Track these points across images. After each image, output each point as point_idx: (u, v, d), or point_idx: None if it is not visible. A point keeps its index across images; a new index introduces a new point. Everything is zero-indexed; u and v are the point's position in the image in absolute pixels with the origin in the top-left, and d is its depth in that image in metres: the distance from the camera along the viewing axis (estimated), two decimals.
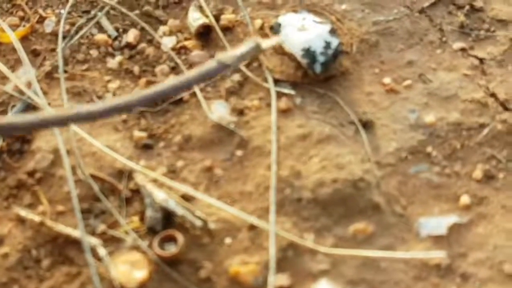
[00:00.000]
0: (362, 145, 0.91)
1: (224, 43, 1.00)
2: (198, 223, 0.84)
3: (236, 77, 0.97)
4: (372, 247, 0.84)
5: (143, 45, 1.01)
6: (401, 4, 1.04)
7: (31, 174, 0.89)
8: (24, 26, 1.02)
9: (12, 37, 0.99)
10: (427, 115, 0.93)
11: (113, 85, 0.97)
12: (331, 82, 0.96)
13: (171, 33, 1.02)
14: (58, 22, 1.03)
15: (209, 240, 0.84)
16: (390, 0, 1.04)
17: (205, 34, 1.01)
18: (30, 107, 0.94)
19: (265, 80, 0.96)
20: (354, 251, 0.83)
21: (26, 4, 1.05)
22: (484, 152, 0.91)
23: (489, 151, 0.91)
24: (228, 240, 0.84)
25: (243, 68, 0.97)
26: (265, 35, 0.99)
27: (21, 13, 1.04)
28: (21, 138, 0.92)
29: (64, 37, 1.01)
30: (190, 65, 0.98)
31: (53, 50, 1.00)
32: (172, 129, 0.93)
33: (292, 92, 0.95)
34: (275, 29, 0.97)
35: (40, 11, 1.04)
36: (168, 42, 1.01)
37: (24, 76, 0.97)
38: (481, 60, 0.99)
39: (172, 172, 0.89)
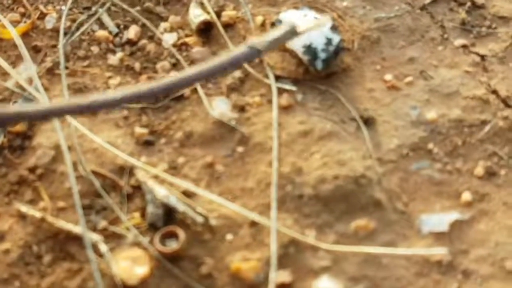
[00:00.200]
0: (364, 141, 0.91)
1: (225, 40, 1.00)
2: (199, 219, 0.84)
3: (237, 73, 0.97)
4: (373, 243, 0.83)
5: (144, 41, 1.01)
6: (403, 0, 1.04)
7: (32, 170, 0.89)
8: (25, 22, 1.02)
9: (13, 33, 0.99)
10: (429, 111, 0.93)
11: (114, 81, 0.97)
12: (333, 79, 0.96)
13: (172, 29, 1.02)
14: (59, 18, 1.02)
15: (210, 236, 0.84)
16: None
17: (206, 31, 1.01)
18: (31, 103, 0.94)
19: (266, 76, 0.96)
20: (356, 248, 0.83)
21: (27, 0, 1.05)
22: (486, 149, 0.91)
23: (490, 148, 0.91)
24: (229, 237, 0.84)
25: (244, 65, 0.97)
26: (266, 32, 0.99)
27: (22, 9, 1.04)
28: (22, 134, 0.92)
29: (65, 34, 1.01)
30: (191, 62, 0.98)
31: (54, 46, 1.00)
32: (173, 125, 0.93)
33: (293, 88, 0.95)
34: (276, 25, 0.97)
35: (41, 7, 1.04)
36: (169, 39, 1.01)
37: (25, 72, 0.97)
38: (483, 57, 0.99)
39: (173, 168, 0.89)
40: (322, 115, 0.92)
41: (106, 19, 1.03)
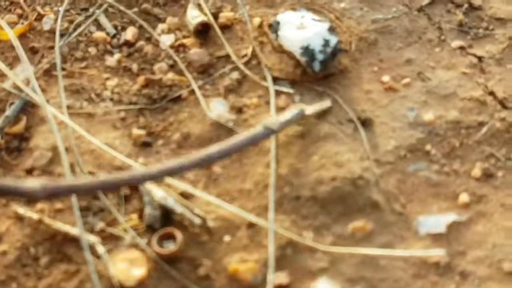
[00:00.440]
0: (361, 143, 0.91)
1: (222, 41, 1.00)
2: (197, 221, 0.84)
3: (235, 75, 0.97)
4: (371, 245, 0.84)
5: (141, 43, 1.01)
6: (400, 2, 1.04)
7: (29, 171, 0.89)
8: (22, 23, 1.02)
9: (10, 35, 0.99)
10: (426, 113, 0.93)
11: (112, 82, 0.97)
12: (330, 80, 0.96)
13: (169, 31, 1.02)
14: (56, 19, 1.02)
15: (208, 238, 0.84)
16: None
17: (203, 32, 1.01)
18: (29, 104, 0.94)
19: (264, 78, 0.96)
20: (353, 249, 0.83)
21: (25, 1, 1.05)
22: (483, 150, 0.91)
23: (488, 149, 0.91)
24: (227, 238, 0.84)
25: (242, 66, 0.97)
26: (263, 33, 0.99)
27: (19, 11, 1.04)
28: (19, 136, 0.92)
29: (62, 35, 1.01)
30: (189, 63, 0.98)
31: (51, 47, 1.00)
32: (171, 127, 0.93)
33: (291, 90, 0.95)
34: (274, 27, 0.97)
35: (38, 8, 1.04)
36: (166, 40, 1.01)
37: (22, 74, 0.97)
38: (480, 59, 0.99)
39: None
40: (320, 116, 0.92)
41: (103, 20, 1.03)
